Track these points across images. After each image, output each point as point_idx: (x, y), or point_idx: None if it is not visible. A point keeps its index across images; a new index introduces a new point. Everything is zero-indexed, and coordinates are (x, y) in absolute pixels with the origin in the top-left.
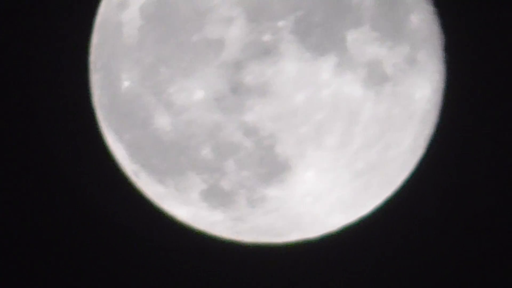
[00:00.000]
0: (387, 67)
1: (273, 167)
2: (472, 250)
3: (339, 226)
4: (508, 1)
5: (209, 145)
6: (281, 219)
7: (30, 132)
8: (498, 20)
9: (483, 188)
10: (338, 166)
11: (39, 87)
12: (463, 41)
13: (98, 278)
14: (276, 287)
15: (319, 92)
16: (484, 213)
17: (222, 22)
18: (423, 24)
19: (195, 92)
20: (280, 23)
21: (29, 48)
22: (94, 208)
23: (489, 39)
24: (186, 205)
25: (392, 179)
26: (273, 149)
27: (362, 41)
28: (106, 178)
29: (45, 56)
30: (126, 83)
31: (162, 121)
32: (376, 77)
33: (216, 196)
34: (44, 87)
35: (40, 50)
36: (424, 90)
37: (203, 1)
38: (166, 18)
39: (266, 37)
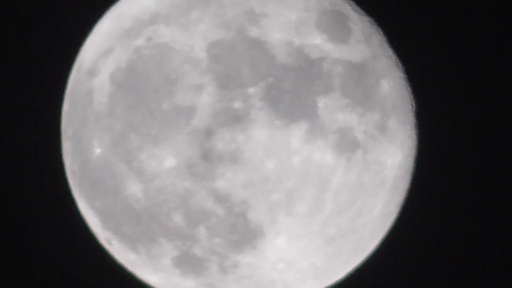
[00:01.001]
0: (358, 134)
1: (245, 234)
2: None
3: None
4: (477, 68)
5: (180, 212)
6: (254, 286)
7: (2, 201)
8: (468, 86)
9: (457, 253)
10: (310, 232)
11: (11, 156)
12: (434, 107)
13: None
14: None
15: (290, 159)
16: (459, 278)
17: (193, 89)
18: (394, 90)
19: (166, 159)
20: (251, 90)
21: (0, 115)
22: (67, 276)
23: (460, 105)
24: (158, 272)
25: (364, 245)
26: (244, 215)
27: (332, 108)
28: (79, 245)
29: (16, 124)
30: (97, 151)
31: (133, 188)
32: (347, 143)
33: (188, 263)
34: (16, 155)
35: (11, 118)
36: (395, 157)
37: (173, 69)
38: (136, 85)
39: (237, 104)
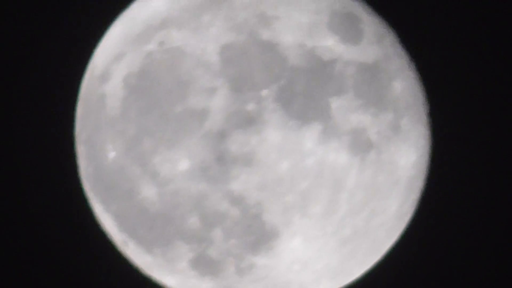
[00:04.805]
0: (371, 134)
1: (260, 235)
2: None
3: None
4: (490, 68)
5: (195, 215)
6: (270, 286)
7: (16, 205)
8: (481, 86)
9: (472, 253)
10: (325, 233)
11: (26, 160)
12: (447, 107)
13: None
14: None
15: (304, 160)
16: (474, 279)
17: (205, 92)
18: (407, 90)
19: (180, 162)
20: (263, 92)
21: (13, 122)
22: (84, 279)
23: (473, 104)
24: (174, 274)
25: (379, 245)
26: (259, 217)
27: (346, 109)
28: (95, 248)
29: (30, 130)
30: (111, 154)
31: (148, 192)
32: (360, 144)
33: (204, 265)
34: (31, 159)
35: (26, 122)
36: (409, 157)
37: (186, 72)
38: (149, 89)
39: (250, 106)
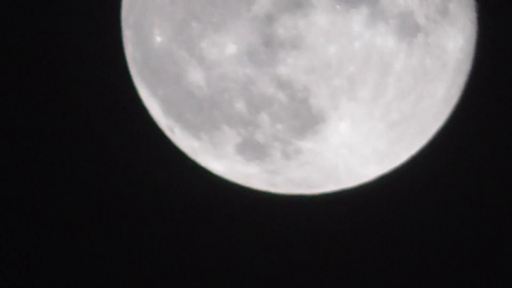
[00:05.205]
0: (419, 18)
1: (307, 120)
2: (506, 205)
3: (374, 176)
4: None
5: (242, 99)
6: (316, 171)
7: (65, 88)
8: None
9: None
10: (372, 117)
11: (72, 45)
12: None
13: (134, 233)
14: (311, 238)
15: (352, 44)
16: None
17: None
18: None
19: (227, 46)
20: None
21: (61, 6)
22: (130, 163)
23: None
24: (221, 159)
25: (426, 129)
26: (306, 101)
27: None
28: (141, 133)
29: (77, 14)
30: (158, 39)
31: (195, 76)
32: (408, 28)
33: (251, 149)
34: (77, 45)
35: (71, 7)
36: (457, 40)
37: None
38: None
39: None
